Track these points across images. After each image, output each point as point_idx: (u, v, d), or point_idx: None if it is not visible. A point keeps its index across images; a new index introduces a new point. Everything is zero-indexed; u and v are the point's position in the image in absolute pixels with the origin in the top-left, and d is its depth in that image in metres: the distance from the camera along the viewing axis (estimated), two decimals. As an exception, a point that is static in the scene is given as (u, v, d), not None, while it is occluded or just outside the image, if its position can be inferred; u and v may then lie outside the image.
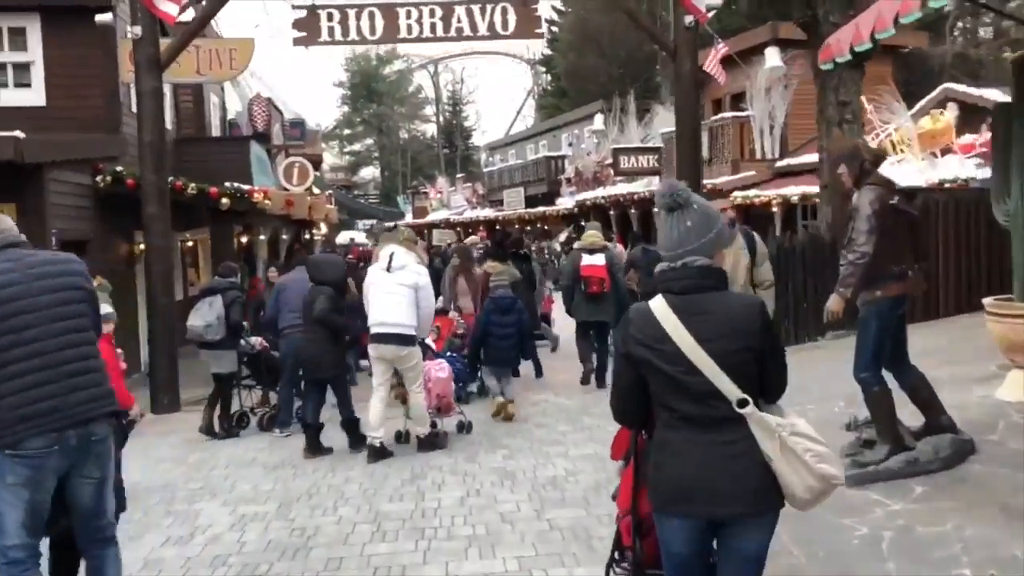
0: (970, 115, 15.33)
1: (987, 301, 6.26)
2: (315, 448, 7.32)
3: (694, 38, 10.41)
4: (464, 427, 7.82)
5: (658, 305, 2.58)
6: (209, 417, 8.41)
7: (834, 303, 5.03)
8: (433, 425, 7.45)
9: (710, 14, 9.67)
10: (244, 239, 17.13)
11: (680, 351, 2.51)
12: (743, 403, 2.50)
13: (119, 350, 6.82)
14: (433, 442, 7.19)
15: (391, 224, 32.92)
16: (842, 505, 4.76)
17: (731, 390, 2.49)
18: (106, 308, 6.71)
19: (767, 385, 2.61)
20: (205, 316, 8.24)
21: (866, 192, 4.96)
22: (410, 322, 6.95)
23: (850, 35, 5.91)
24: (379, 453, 6.97)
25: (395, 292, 6.94)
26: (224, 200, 12.36)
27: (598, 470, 6.17)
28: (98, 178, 11.77)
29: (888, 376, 5.13)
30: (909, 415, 5.34)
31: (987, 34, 27.53)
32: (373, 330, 7.03)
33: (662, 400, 2.59)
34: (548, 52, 45.78)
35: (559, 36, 41.18)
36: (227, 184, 12.78)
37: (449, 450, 7.17)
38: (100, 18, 9.41)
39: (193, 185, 12.24)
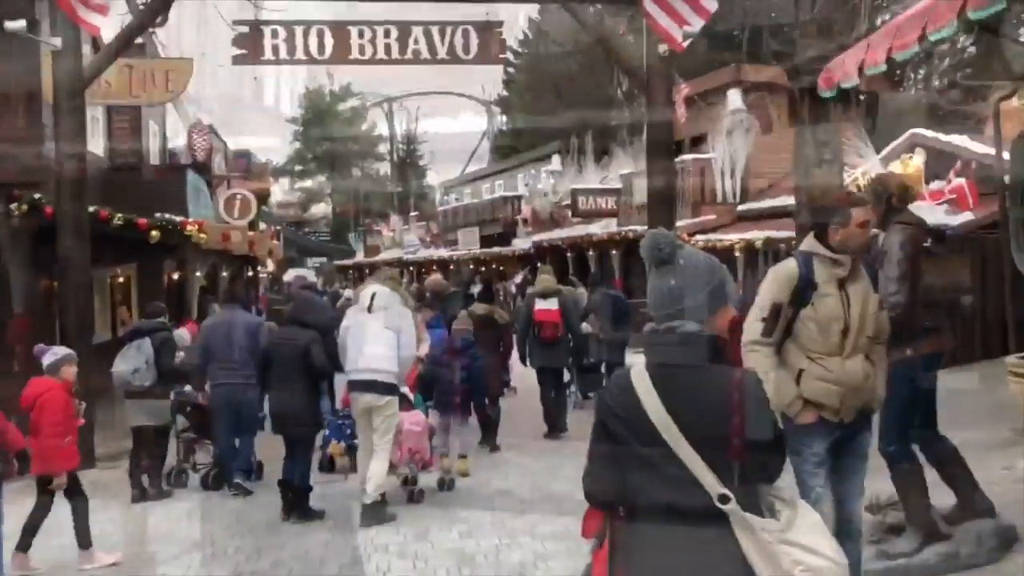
0: (937, 162, 15.04)
1: (1011, 359, 5.61)
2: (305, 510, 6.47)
3: (668, 68, 9.77)
4: (445, 484, 7.15)
5: (638, 375, 2.27)
6: (138, 479, 7.37)
7: (860, 363, 4.23)
8: (414, 481, 6.83)
9: (686, 42, 9.01)
10: (176, 275, 15.92)
11: (657, 430, 2.18)
12: (724, 499, 2.13)
13: (80, 403, 5.97)
14: (378, 515, 6.24)
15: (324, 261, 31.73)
16: (877, 610, 3.96)
17: (711, 483, 2.14)
18: (63, 349, 5.86)
19: (760, 469, 2.25)
20: (133, 360, 7.35)
21: (895, 233, 4.26)
22: (392, 368, 6.31)
23: (859, 56, 5.22)
24: (380, 508, 6.31)
25: (377, 336, 6.30)
26: (153, 232, 11.31)
27: (572, 553, 5.25)
28: (12, 206, 10.64)
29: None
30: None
31: (942, 84, 27.88)
32: (351, 377, 6.39)
33: (636, 482, 2.26)
34: (504, 93, 45.54)
35: (515, 77, 40.92)
36: (157, 215, 11.74)
37: (397, 524, 6.22)
38: (10, 25, 8.45)
39: (120, 215, 11.18)
